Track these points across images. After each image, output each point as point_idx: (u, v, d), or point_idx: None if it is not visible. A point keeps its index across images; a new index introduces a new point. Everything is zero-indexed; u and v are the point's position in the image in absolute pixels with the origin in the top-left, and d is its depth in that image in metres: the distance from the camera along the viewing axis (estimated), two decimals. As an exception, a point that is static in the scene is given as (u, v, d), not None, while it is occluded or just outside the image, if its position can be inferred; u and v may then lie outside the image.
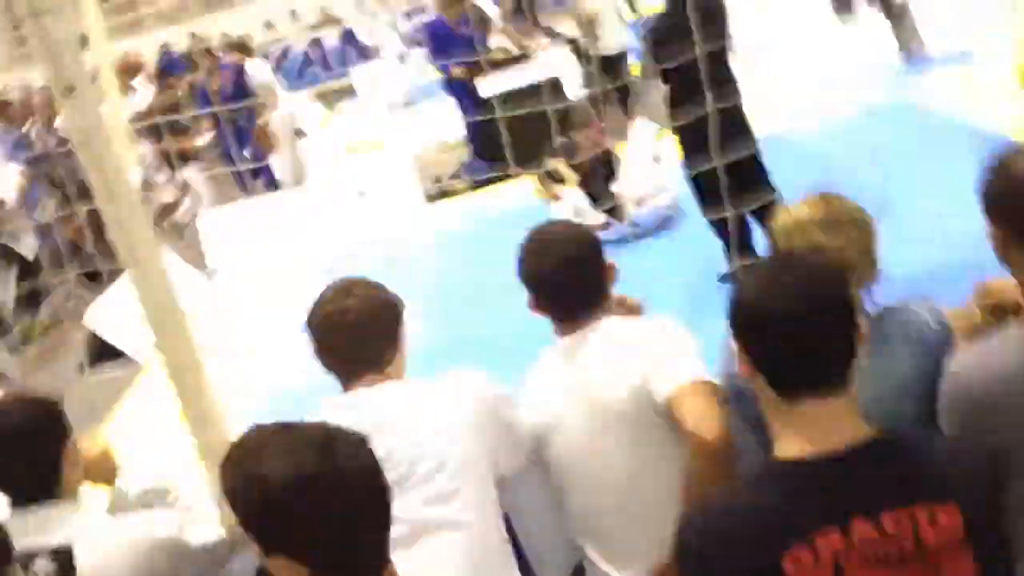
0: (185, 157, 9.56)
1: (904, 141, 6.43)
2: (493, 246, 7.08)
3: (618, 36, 9.47)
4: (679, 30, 4.73)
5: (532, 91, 8.05)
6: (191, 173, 9.54)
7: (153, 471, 2.62)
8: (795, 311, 1.63)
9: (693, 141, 4.90)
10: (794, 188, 5.07)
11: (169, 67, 14.30)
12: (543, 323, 2.45)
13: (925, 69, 8.11)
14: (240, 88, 9.62)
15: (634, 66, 10.05)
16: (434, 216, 8.45)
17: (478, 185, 8.74)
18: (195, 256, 8.26)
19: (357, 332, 2.29)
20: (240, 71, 9.94)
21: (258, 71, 10.17)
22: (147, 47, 16.33)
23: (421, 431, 2.23)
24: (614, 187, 6.76)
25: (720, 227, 5.01)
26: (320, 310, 2.31)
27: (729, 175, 4.07)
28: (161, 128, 8.82)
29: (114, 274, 7.67)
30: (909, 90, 7.70)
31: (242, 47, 15.12)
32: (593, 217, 6.50)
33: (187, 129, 9.63)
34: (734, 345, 1.72)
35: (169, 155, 10.50)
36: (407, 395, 2.32)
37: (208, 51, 11.23)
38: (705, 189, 5.03)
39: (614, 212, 6.58)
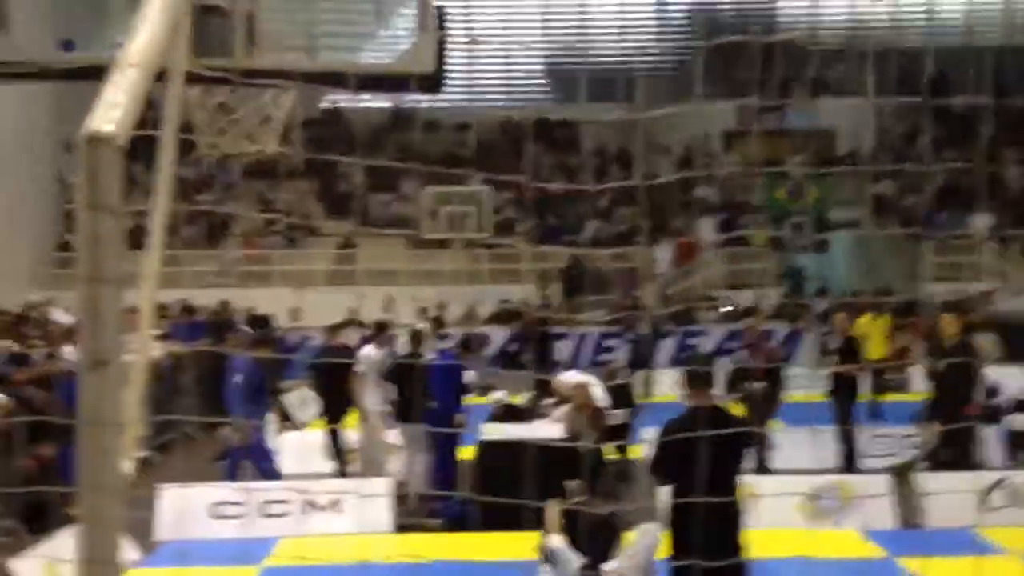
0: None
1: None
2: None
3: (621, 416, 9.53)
4: (692, 440, 4.71)
5: (531, 447, 7.82)
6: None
7: None
8: None
9: (684, 545, 4.81)
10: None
11: (188, 329, 14.34)
12: None
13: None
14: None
15: (634, 448, 10.02)
16: (395, 547, 8.00)
17: (451, 527, 8.47)
18: (142, 528, 7.77)
19: None
20: None
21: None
22: (167, 297, 16.55)
23: None
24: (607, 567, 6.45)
25: None
26: None
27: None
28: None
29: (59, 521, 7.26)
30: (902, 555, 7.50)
31: (263, 323, 15.38)
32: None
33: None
34: None
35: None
36: None
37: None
38: None
39: None
